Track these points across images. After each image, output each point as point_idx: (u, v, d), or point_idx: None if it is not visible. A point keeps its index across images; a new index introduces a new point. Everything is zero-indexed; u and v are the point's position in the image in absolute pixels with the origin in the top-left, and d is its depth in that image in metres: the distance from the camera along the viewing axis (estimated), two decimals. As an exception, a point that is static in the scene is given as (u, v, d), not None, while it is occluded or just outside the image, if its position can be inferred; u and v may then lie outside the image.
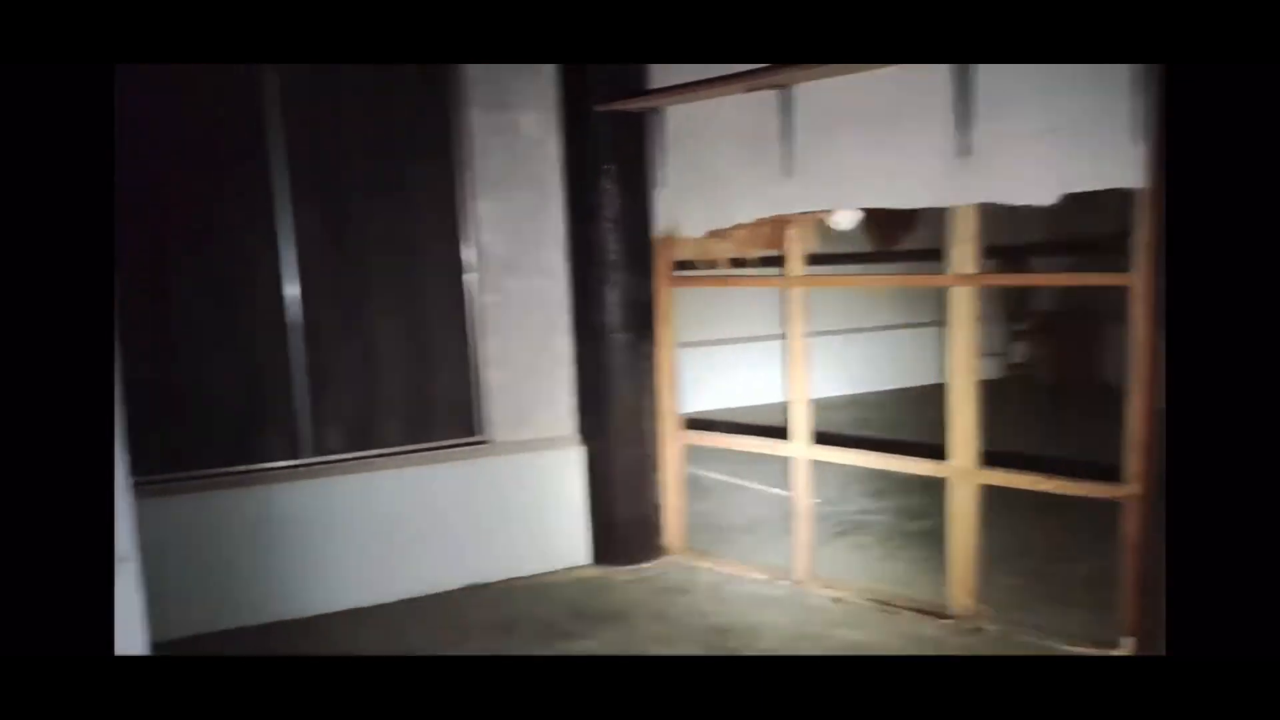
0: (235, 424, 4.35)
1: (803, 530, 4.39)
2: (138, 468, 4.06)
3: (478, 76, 4.46)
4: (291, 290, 4.29)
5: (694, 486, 5.10)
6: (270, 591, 4.15)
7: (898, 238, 8.82)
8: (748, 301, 8.59)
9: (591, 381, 4.69)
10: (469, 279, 4.55)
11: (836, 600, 4.23)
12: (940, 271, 3.87)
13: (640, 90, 4.48)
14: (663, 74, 4.47)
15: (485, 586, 4.52)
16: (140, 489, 4.08)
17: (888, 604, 4.12)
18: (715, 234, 4.60)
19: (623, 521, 4.75)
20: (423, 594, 4.40)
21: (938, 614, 3.95)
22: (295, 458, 4.31)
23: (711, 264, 4.78)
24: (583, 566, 4.73)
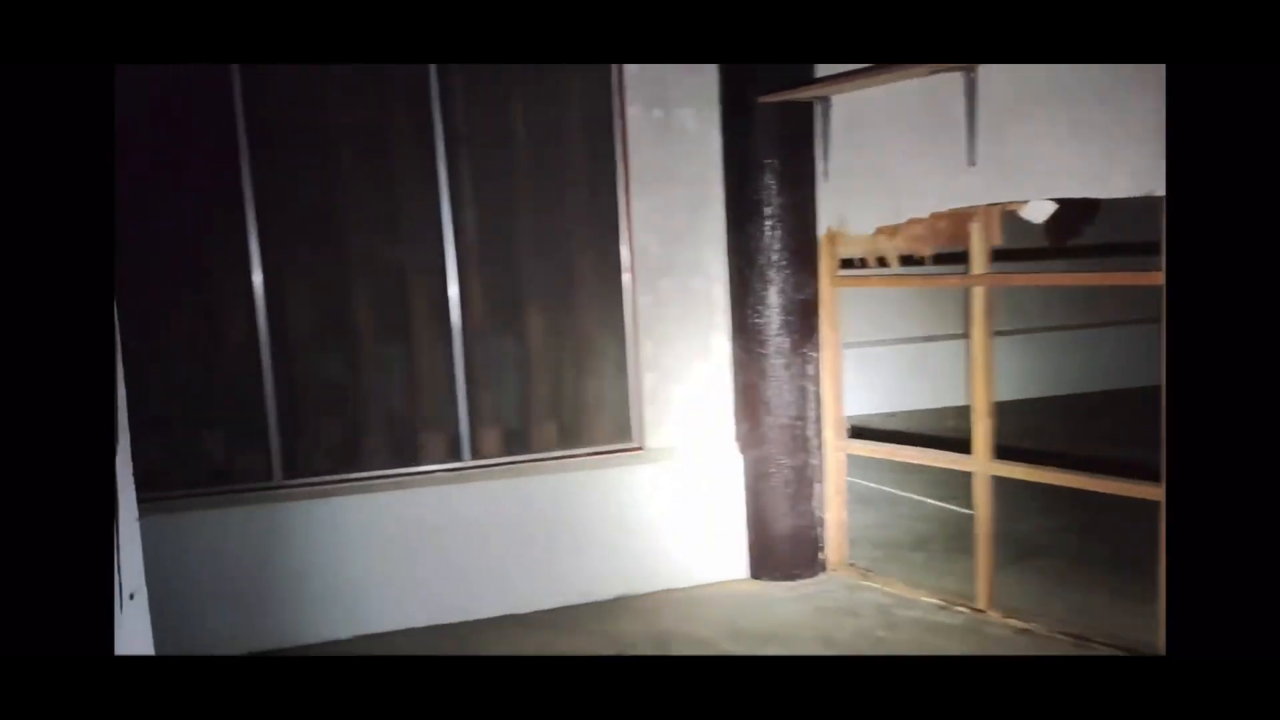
0: (399, 425, 4.39)
1: (983, 552, 4.01)
2: (306, 468, 4.21)
3: (637, 73, 4.33)
4: (453, 289, 4.28)
5: (851, 496, 4.78)
6: (427, 595, 4.15)
7: (1076, 232, 8.12)
8: (891, 302, 8.15)
9: (751, 386, 4.46)
10: (625, 279, 4.42)
11: (1022, 632, 3.84)
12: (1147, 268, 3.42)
13: (806, 79, 4.22)
14: (830, 60, 4.20)
15: (638, 598, 4.37)
16: (309, 489, 4.21)
17: (1083, 639, 3.70)
18: (886, 230, 4.27)
19: (782, 535, 4.49)
20: (574, 603, 4.30)
21: (1145, 654, 3.50)
22: (455, 461, 4.30)
23: (881, 262, 4.46)
24: (739, 581, 4.51)
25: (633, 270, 4.40)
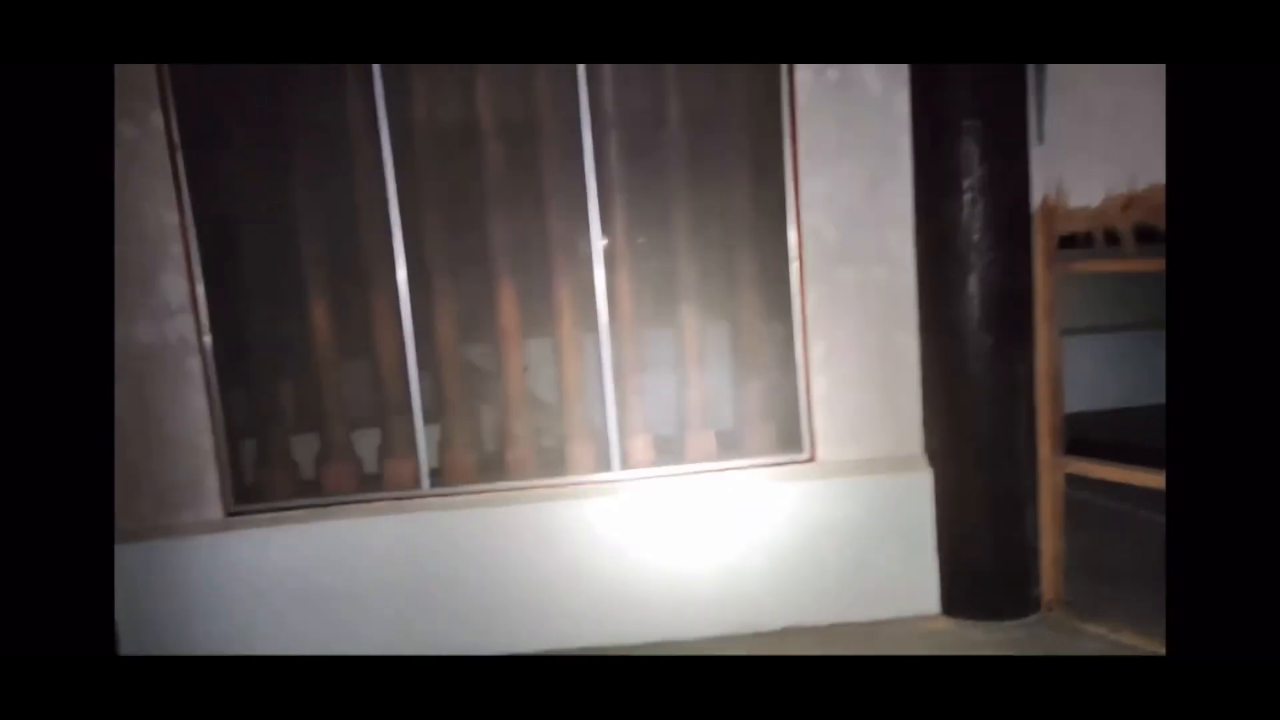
0: (550, 433, 4.09)
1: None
2: (452, 476, 3.98)
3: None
4: (599, 283, 3.88)
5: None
6: (572, 616, 3.82)
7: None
8: (1106, 280, 7.01)
9: (945, 391, 3.79)
10: (792, 270, 3.86)
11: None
12: None
13: (1015, 20, 3.47)
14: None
15: (807, 630, 3.84)
16: (454, 498, 3.99)
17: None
18: (1117, 200, 3.47)
19: (982, 566, 3.81)
20: (734, 632, 3.83)
21: None
22: (603, 472, 3.93)
23: (1110, 239, 3.65)
24: (929, 617, 3.87)
25: (801, 259, 3.83)
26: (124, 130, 3.66)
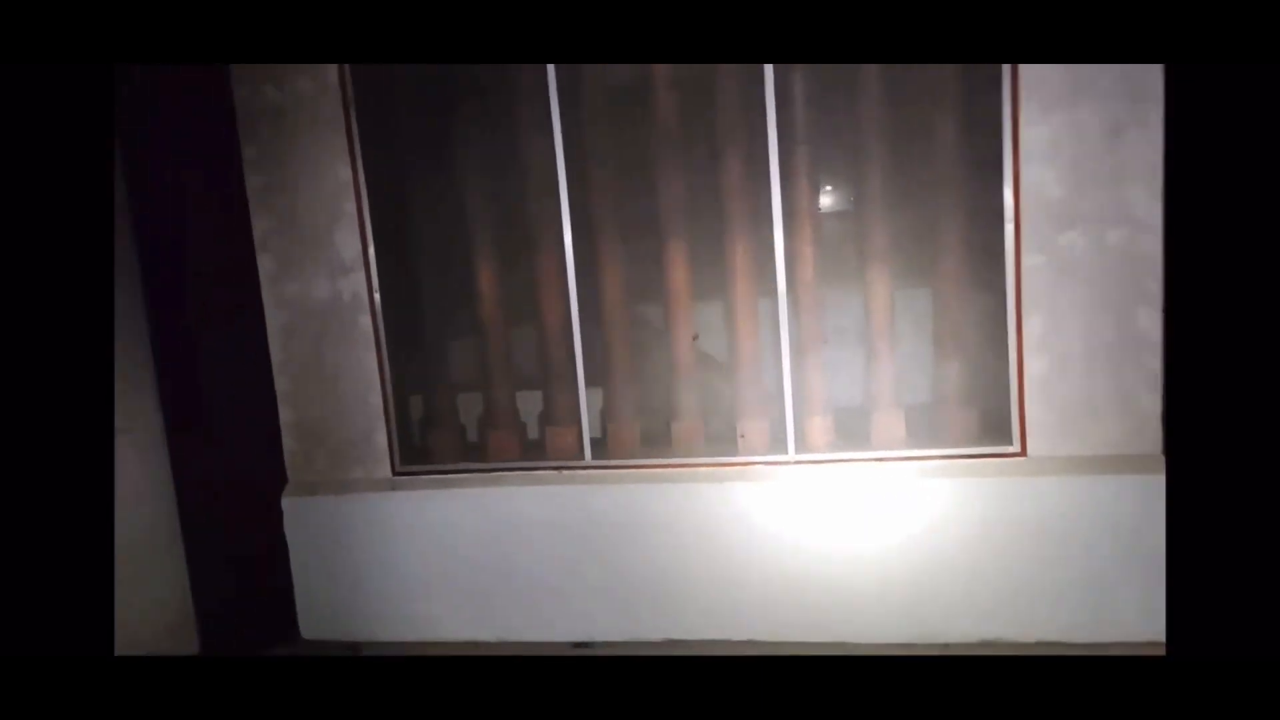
0: (719, 407, 3.80)
1: None
2: (615, 449, 3.78)
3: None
4: (778, 243, 3.51)
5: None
6: (747, 608, 3.54)
7: None
8: None
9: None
10: (1007, 232, 3.31)
11: None
12: None
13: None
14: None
15: (1008, 646, 3.36)
16: (616, 471, 3.80)
17: None
18: None
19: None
20: (917, 639, 3.41)
21: None
22: (777, 454, 3.59)
23: None
24: (1158, 644, 3.28)
25: (1017, 220, 3.27)
26: (301, 85, 3.66)
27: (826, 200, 3.76)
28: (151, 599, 3.55)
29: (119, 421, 3.27)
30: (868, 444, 3.56)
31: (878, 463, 3.48)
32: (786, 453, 3.56)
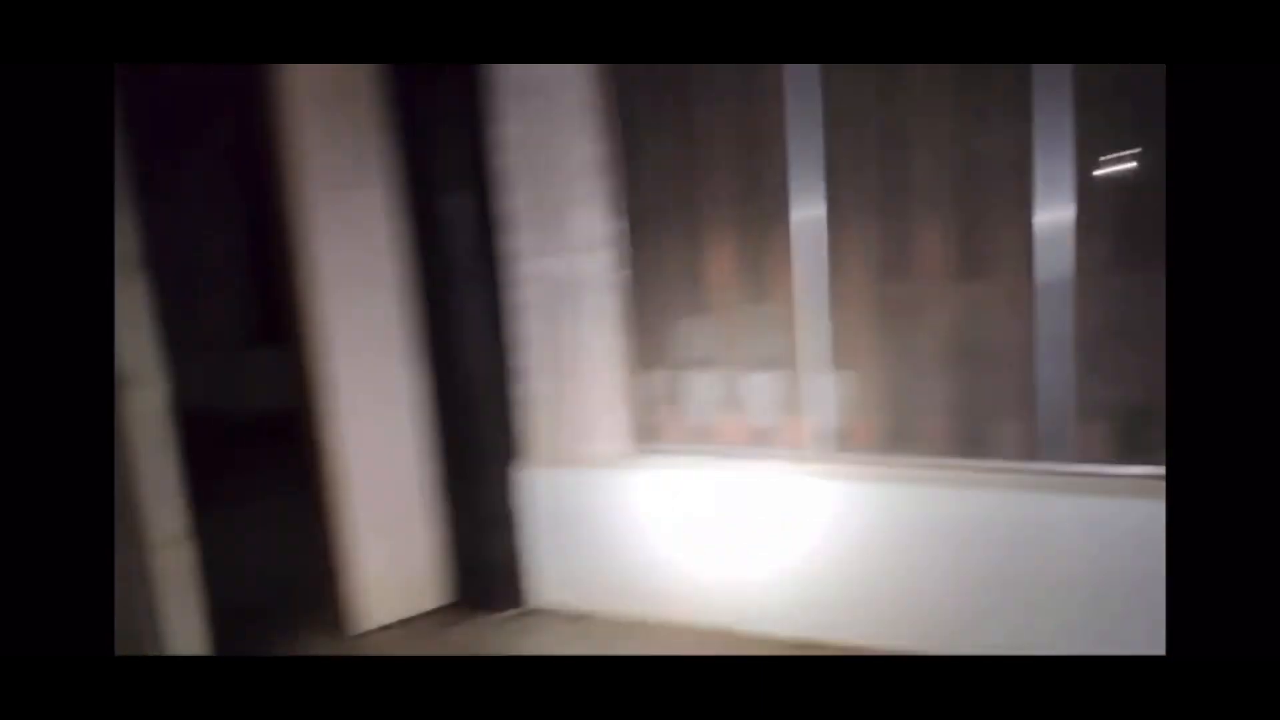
0: (973, 403, 3.39)
1: None
2: (848, 445, 3.48)
3: None
4: (1042, 218, 3.02)
5: None
6: (993, 628, 3.16)
7: None
8: None
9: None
10: None
11: None
12: None
13: None
14: None
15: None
16: (859, 467, 3.50)
17: None
18: None
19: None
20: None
21: None
22: (1033, 459, 3.13)
23: None
24: None
25: None
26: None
27: (1120, 170, 3.18)
28: (416, 557, 3.90)
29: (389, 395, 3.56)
30: (1161, 457, 2.98)
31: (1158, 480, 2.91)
32: (1050, 460, 3.09)
